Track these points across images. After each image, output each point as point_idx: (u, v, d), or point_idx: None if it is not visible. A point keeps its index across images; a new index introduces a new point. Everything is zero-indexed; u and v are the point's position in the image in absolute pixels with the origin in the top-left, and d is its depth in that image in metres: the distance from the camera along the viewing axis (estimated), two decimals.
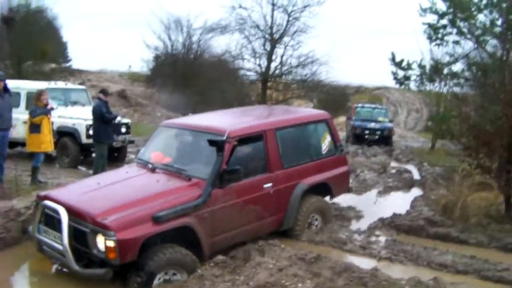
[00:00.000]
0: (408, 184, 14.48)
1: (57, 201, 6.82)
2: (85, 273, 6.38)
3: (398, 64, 17.13)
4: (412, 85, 19.37)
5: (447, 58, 16.59)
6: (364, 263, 7.42)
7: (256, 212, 7.96)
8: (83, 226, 6.35)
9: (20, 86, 14.51)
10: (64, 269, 7.19)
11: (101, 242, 6.14)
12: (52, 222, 6.76)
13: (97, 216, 6.27)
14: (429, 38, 15.04)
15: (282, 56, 32.19)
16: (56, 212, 6.59)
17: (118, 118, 13.71)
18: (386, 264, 7.78)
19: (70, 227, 6.42)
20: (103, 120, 12.12)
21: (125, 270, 6.39)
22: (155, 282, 6.34)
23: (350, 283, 6.05)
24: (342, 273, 6.31)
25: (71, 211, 6.53)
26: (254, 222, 7.94)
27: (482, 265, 7.76)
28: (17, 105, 13.63)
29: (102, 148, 12.26)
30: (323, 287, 5.82)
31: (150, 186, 7.27)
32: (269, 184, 8.09)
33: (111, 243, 6.04)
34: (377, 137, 24.29)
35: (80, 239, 6.39)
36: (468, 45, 15.07)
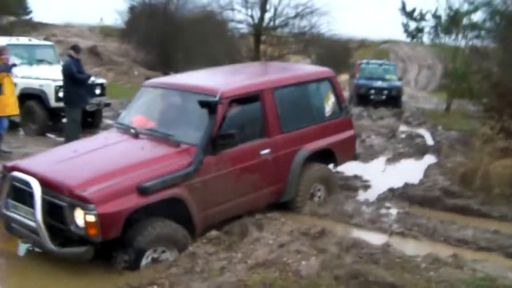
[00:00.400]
0: (421, 151, 14.59)
1: (28, 172, 6.85)
2: (62, 252, 6.44)
3: (410, 15, 17.04)
4: (426, 38, 19.31)
5: (466, 7, 16.56)
6: (374, 238, 7.51)
7: (253, 182, 8.03)
8: (59, 200, 6.39)
9: None
10: (36, 249, 7.28)
11: (80, 217, 6.18)
12: (23, 196, 6.79)
13: (75, 188, 6.30)
14: None
15: (277, 6, 32.10)
16: (28, 184, 6.62)
17: (92, 78, 13.70)
18: (398, 240, 7.89)
19: (43, 201, 6.45)
20: (74, 80, 12.10)
21: (108, 248, 6.47)
22: (143, 261, 6.44)
23: (360, 260, 6.10)
24: (350, 249, 6.37)
25: (44, 183, 6.56)
26: (251, 193, 8.02)
27: (507, 240, 7.87)
28: None
29: (74, 112, 12.26)
30: (329, 265, 5.87)
31: (133, 153, 7.31)
32: (267, 150, 8.15)
33: (91, 218, 6.08)
34: (384, 97, 24.24)
35: (56, 214, 6.43)
36: None
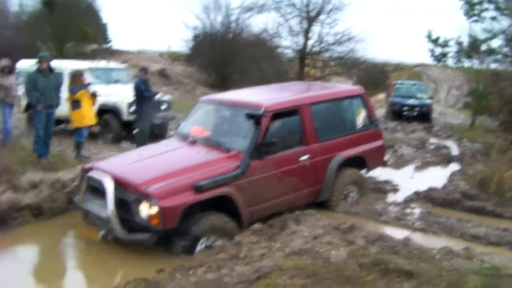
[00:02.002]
0: (446, 160, 14.48)
1: (102, 172, 7.17)
2: (129, 238, 6.73)
3: (435, 41, 16.96)
4: (450, 62, 19.20)
5: (484, 35, 16.45)
6: (398, 233, 7.55)
7: (293, 184, 8.17)
8: (127, 195, 6.69)
9: (62, 65, 14.91)
10: (109, 237, 7.60)
11: (145, 210, 6.47)
12: (97, 192, 7.11)
13: (141, 185, 6.61)
14: (466, 14, 14.89)
15: (319, 34, 32.24)
16: (101, 182, 6.93)
17: (159, 95, 14.05)
18: (419, 235, 7.93)
19: (115, 196, 6.75)
20: (142, 97, 12.48)
21: (168, 236, 6.72)
22: (198, 247, 6.69)
23: (382, 251, 6.15)
24: (375, 242, 6.43)
25: (115, 181, 6.87)
26: (291, 193, 8.15)
27: None
28: (61, 84, 14.12)
29: (143, 124, 12.63)
30: (355, 254, 5.94)
31: (190, 157, 7.56)
32: (306, 157, 8.29)
33: (154, 211, 6.37)
34: (415, 113, 24.08)
35: (124, 207, 6.73)
36: (506, 21, 14.91)
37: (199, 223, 6.70)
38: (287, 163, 8.04)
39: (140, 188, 6.59)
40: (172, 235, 6.70)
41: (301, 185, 8.33)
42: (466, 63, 20.96)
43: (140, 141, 12.31)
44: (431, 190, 10.34)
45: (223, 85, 31.46)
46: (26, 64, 15.83)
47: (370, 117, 9.71)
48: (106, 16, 50.73)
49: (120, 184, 6.84)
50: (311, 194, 8.63)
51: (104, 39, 42.98)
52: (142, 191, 6.55)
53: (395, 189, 10.96)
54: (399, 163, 13.72)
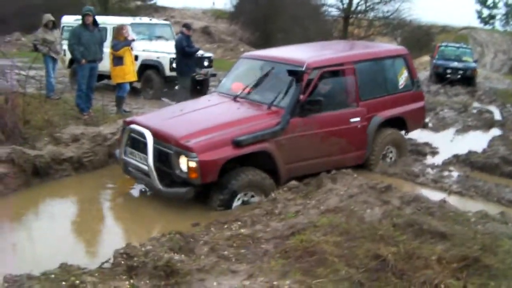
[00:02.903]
0: (488, 124, 14.30)
1: (143, 125, 7.27)
2: (168, 191, 6.84)
3: (483, 3, 16.58)
4: (498, 24, 18.81)
5: None
6: (435, 195, 7.50)
7: (339, 145, 8.14)
8: (167, 148, 6.78)
9: (106, 21, 15.02)
10: (147, 190, 7.76)
11: (184, 163, 6.56)
12: (138, 144, 7.23)
13: (181, 139, 6.68)
14: None
15: None
16: (142, 135, 7.03)
17: (200, 52, 14.10)
18: (456, 198, 7.88)
19: (154, 149, 6.85)
20: (184, 53, 12.53)
21: (206, 191, 6.84)
22: (235, 202, 6.79)
23: (418, 212, 6.13)
24: (410, 203, 6.41)
25: (156, 134, 6.96)
26: (336, 154, 8.10)
27: None
28: (104, 40, 14.27)
29: (184, 80, 12.72)
30: (390, 214, 5.93)
31: (231, 113, 7.61)
32: (357, 119, 8.28)
33: (193, 164, 6.45)
34: (459, 76, 23.65)
35: (164, 160, 6.83)
36: None
37: (238, 178, 6.77)
38: (334, 124, 8.00)
39: (180, 141, 6.67)
40: (210, 190, 6.81)
41: (348, 147, 8.30)
42: None
43: (181, 97, 12.36)
44: (470, 153, 10.22)
45: (266, 43, 31.28)
46: (70, 19, 16.02)
47: (412, 78, 9.58)
48: None
49: (161, 138, 6.93)
50: (358, 157, 8.59)
51: None
52: (182, 144, 6.62)
53: (434, 152, 10.88)
54: (440, 126, 13.61)
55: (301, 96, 7.55)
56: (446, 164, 9.82)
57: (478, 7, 19.36)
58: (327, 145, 7.95)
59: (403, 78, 9.43)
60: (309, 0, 34.05)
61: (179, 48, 12.52)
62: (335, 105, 8.16)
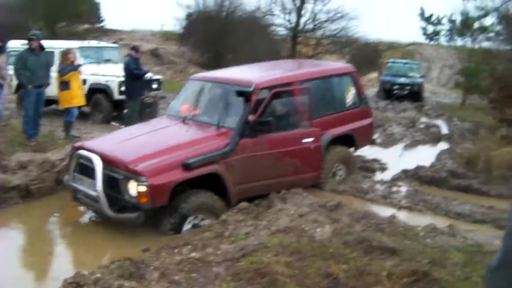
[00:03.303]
0: (435, 138, 14.62)
1: (91, 150, 7.18)
2: (118, 217, 6.77)
3: (428, 19, 16.97)
4: (442, 40, 19.24)
5: (477, 12, 16.46)
6: (384, 211, 7.63)
7: (293, 166, 8.11)
8: (116, 173, 6.72)
9: (53, 45, 14.85)
10: (97, 217, 7.63)
11: (134, 188, 6.50)
12: (87, 170, 7.12)
13: (130, 163, 6.63)
14: None
15: (312, 12, 32.15)
16: (91, 160, 6.94)
17: (149, 74, 14.04)
18: (405, 213, 8.01)
19: (104, 174, 6.78)
20: (132, 76, 12.47)
21: (156, 215, 6.77)
22: (185, 225, 6.74)
23: (368, 228, 6.21)
24: (360, 220, 6.49)
25: (104, 159, 6.89)
26: (290, 175, 8.04)
27: (500, 215, 7.88)
28: (52, 64, 14.11)
29: (133, 104, 12.64)
30: (340, 232, 6.00)
31: (180, 135, 7.60)
32: (310, 139, 8.26)
33: (143, 188, 6.40)
34: (406, 92, 24.06)
35: (113, 185, 6.76)
36: None
37: (188, 201, 6.74)
38: (285, 144, 7.97)
39: (129, 166, 6.61)
40: (160, 214, 6.75)
41: (302, 168, 8.26)
42: (459, 42, 21.03)
43: (130, 121, 12.29)
44: (418, 168, 10.40)
45: (216, 64, 31.33)
46: (17, 44, 15.78)
47: (360, 95, 9.73)
48: None
49: (110, 162, 6.86)
50: (314, 178, 8.57)
51: (97, 18, 42.75)
52: (131, 169, 6.57)
53: (383, 168, 11.06)
54: (388, 142, 13.83)
55: (250, 117, 7.58)
56: (395, 179, 9.96)
57: (423, 23, 19.93)
58: (280, 166, 7.93)
59: (350, 96, 9.56)
60: (257, 20, 34.27)
61: (128, 71, 12.45)
62: (286, 125, 8.18)
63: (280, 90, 8.17)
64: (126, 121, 12.50)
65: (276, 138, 7.83)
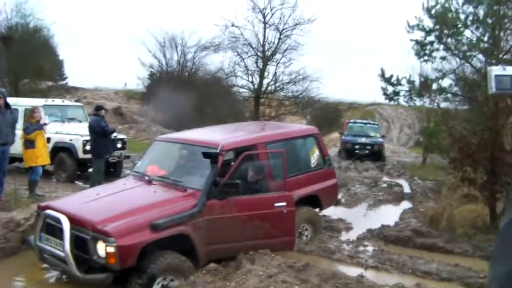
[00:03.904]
0: (398, 198, 14.84)
1: (59, 210, 7.11)
2: (86, 278, 6.64)
3: (388, 80, 17.35)
4: (402, 100, 19.60)
5: (435, 74, 16.95)
6: (351, 271, 7.65)
7: (264, 229, 8.02)
8: (84, 234, 6.62)
9: (18, 103, 14.77)
10: (64, 277, 7.49)
11: (102, 249, 6.42)
12: (54, 230, 7.02)
13: (98, 224, 6.56)
14: (417, 54, 15.35)
15: (274, 73, 32.67)
16: (58, 220, 6.86)
17: (114, 134, 14.05)
18: (372, 272, 7.99)
19: (71, 235, 6.69)
20: (104, 133, 12.45)
21: (125, 276, 6.65)
22: (154, 286, 6.62)
23: None
24: (329, 280, 6.54)
25: (72, 219, 6.81)
26: (261, 238, 7.91)
27: (466, 272, 8.01)
28: (16, 122, 14.01)
29: (100, 162, 12.57)
30: None
31: (147, 196, 7.56)
32: (282, 204, 8.10)
33: (111, 249, 6.33)
34: (367, 151, 24.51)
35: (81, 246, 6.66)
36: (455, 61, 15.43)
37: (157, 262, 6.65)
38: (255, 207, 7.93)
39: (97, 226, 6.55)
40: (129, 275, 6.65)
41: (273, 233, 8.11)
42: (418, 102, 21.52)
43: (95, 180, 12.23)
44: (383, 228, 10.55)
45: (179, 124, 31.52)
46: None
47: (324, 156, 9.90)
48: (62, 53, 50.44)
49: (77, 223, 6.79)
50: (286, 243, 8.32)
51: (60, 75, 42.79)
52: (99, 229, 6.50)
53: (348, 227, 11.16)
54: (352, 202, 13.98)
55: (217, 178, 7.62)
56: (361, 239, 10.06)
57: (383, 84, 20.40)
58: (250, 229, 7.88)
59: (315, 157, 9.72)
60: (220, 81, 34.65)
61: (98, 129, 12.42)
62: (257, 188, 8.16)
63: (249, 153, 8.25)
64: (92, 180, 12.40)
65: (246, 201, 7.84)
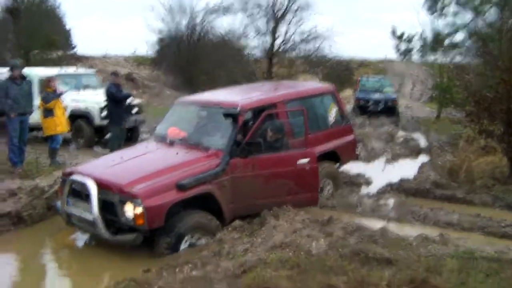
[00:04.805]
0: (415, 152, 14.88)
1: (84, 175, 7.22)
2: (116, 239, 6.80)
3: (400, 38, 17.30)
4: (414, 57, 19.51)
5: (447, 30, 16.85)
6: (374, 224, 7.76)
7: (283, 186, 8.07)
8: (111, 196, 6.76)
9: (32, 73, 14.82)
10: (91, 241, 7.68)
11: (130, 210, 6.55)
12: (81, 195, 7.14)
13: (125, 186, 6.69)
14: (429, 10, 15.26)
15: (285, 33, 32.40)
16: (85, 185, 6.97)
17: (130, 99, 14.08)
18: (395, 224, 8.13)
19: (98, 198, 6.81)
20: (115, 101, 12.49)
21: (153, 236, 6.80)
22: (182, 245, 6.78)
23: (362, 240, 6.33)
24: (353, 233, 6.62)
25: (98, 183, 6.92)
26: (285, 195, 7.98)
27: (487, 222, 8.14)
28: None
29: (116, 130, 12.64)
30: (335, 245, 6.10)
31: (170, 158, 7.63)
32: (305, 160, 8.18)
33: (139, 210, 6.45)
34: (380, 108, 24.43)
35: (109, 209, 6.79)
36: (467, 15, 15.32)
37: (184, 220, 6.81)
38: (279, 165, 7.99)
39: (124, 189, 6.67)
40: (157, 234, 6.78)
41: (297, 189, 8.16)
42: (430, 58, 21.41)
43: (113, 146, 12.35)
44: (402, 181, 10.61)
45: (190, 87, 31.39)
46: None
47: (341, 113, 9.93)
48: (69, 21, 50.16)
49: (104, 186, 6.90)
50: (311, 199, 8.42)
51: (69, 45, 42.62)
52: (126, 191, 6.62)
53: (368, 182, 11.23)
54: (370, 157, 14.04)
55: (239, 138, 7.71)
56: (381, 193, 10.15)
57: (395, 41, 20.34)
58: (273, 186, 7.94)
59: (333, 114, 9.75)
60: (231, 43, 34.38)
61: (110, 96, 12.46)
62: (280, 146, 8.18)
63: (269, 112, 8.30)
64: (110, 146, 12.50)
65: (269, 159, 7.90)
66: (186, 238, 6.82)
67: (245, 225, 7.14)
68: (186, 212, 6.94)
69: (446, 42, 17.95)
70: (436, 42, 17.22)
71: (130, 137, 15.00)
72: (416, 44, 18.75)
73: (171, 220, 6.77)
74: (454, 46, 17.70)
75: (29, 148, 12.05)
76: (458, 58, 18.52)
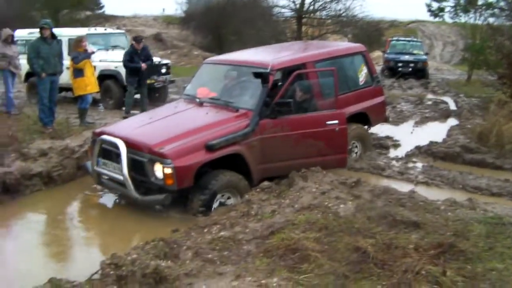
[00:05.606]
0: (445, 115, 14.71)
1: (115, 135, 7.27)
2: (145, 199, 6.89)
3: None
4: (447, 17, 19.13)
5: None
6: (402, 187, 7.76)
7: (317, 147, 8.08)
8: (141, 157, 6.82)
9: (61, 33, 14.83)
10: (120, 201, 7.79)
11: (159, 170, 6.62)
12: (111, 155, 7.22)
13: (154, 146, 6.74)
14: None
15: None
16: (115, 145, 7.03)
17: (158, 59, 14.09)
18: (423, 188, 8.11)
19: (128, 158, 6.87)
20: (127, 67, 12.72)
21: (182, 197, 6.90)
22: (214, 203, 6.87)
23: (389, 204, 6.31)
24: (381, 195, 6.60)
25: (128, 143, 6.98)
26: (314, 156, 8.00)
27: None
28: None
29: (130, 89, 13.15)
30: (363, 208, 6.10)
31: (200, 118, 7.67)
32: (334, 122, 8.14)
33: (168, 170, 6.51)
34: (410, 69, 24.17)
35: (138, 169, 6.86)
36: None
37: (217, 179, 6.87)
38: (308, 126, 7.96)
39: (154, 149, 6.72)
40: (191, 192, 6.86)
41: (325, 150, 8.17)
42: (463, 18, 21.01)
43: (128, 106, 12.91)
44: (431, 144, 10.53)
45: (219, 47, 31.31)
46: (24, 33, 15.89)
47: (372, 74, 9.83)
48: None
49: (133, 146, 6.96)
50: (339, 161, 8.42)
51: (97, 4, 42.64)
52: (156, 152, 6.68)
53: (396, 145, 11.19)
54: (399, 119, 13.94)
55: (268, 98, 7.66)
56: (410, 156, 10.11)
57: (427, 0, 19.91)
58: (302, 147, 7.94)
59: (363, 75, 9.66)
60: (260, 2, 34.10)
61: (123, 62, 12.71)
62: (309, 107, 8.17)
63: (300, 72, 8.21)
64: (126, 107, 13.08)
65: (298, 120, 7.87)
66: (218, 196, 6.90)
67: (273, 186, 7.12)
68: (219, 171, 7.01)
69: (480, 1, 17.58)
70: (470, 1, 16.85)
71: (159, 97, 15.07)
72: (449, 3, 18.37)
73: (205, 178, 6.85)
74: (488, 5, 17.32)
75: (59, 109, 12.16)
76: (491, 20, 18.16)
